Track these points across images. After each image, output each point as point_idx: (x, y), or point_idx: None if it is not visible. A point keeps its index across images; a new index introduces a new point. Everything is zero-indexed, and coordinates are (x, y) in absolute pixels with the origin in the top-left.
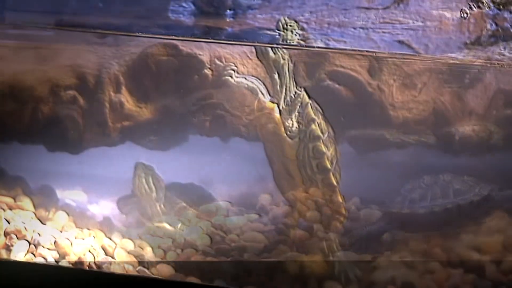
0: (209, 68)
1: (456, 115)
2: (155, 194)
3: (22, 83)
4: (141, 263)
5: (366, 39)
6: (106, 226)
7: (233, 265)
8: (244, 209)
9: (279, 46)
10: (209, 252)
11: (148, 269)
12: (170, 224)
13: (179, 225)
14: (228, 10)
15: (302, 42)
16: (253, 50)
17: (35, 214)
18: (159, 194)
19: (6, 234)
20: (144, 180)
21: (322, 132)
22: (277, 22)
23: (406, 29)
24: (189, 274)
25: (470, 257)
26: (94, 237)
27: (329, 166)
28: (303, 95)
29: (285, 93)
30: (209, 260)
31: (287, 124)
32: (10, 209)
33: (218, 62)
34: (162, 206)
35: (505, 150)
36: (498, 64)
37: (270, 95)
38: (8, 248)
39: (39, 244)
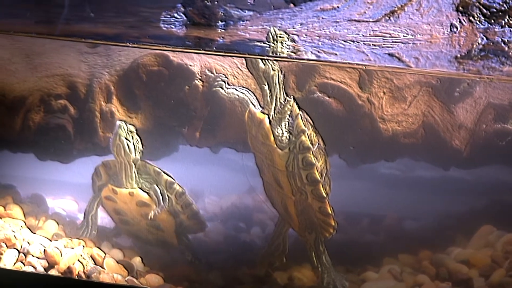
0: (200, 79)
1: (446, 129)
2: (133, 156)
3: (13, 92)
4: (130, 272)
5: (357, 51)
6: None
7: (222, 275)
8: (234, 219)
9: (270, 58)
10: (198, 261)
11: (137, 279)
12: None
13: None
14: (219, 22)
15: (293, 54)
16: (244, 61)
17: (25, 223)
18: (137, 156)
19: None
20: (124, 140)
21: (312, 143)
22: (267, 33)
23: (396, 42)
24: (178, 284)
25: (459, 270)
26: (83, 246)
27: (318, 177)
28: (292, 103)
29: (275, 104)
30: (198, 270)
31: (277, 133)
32: (0, 218)
33: (208, 73)
34: (136, 172)
35: (494, 164)
36: (488, 78)
37: (260, 106)
38: None
39: (28, 252)
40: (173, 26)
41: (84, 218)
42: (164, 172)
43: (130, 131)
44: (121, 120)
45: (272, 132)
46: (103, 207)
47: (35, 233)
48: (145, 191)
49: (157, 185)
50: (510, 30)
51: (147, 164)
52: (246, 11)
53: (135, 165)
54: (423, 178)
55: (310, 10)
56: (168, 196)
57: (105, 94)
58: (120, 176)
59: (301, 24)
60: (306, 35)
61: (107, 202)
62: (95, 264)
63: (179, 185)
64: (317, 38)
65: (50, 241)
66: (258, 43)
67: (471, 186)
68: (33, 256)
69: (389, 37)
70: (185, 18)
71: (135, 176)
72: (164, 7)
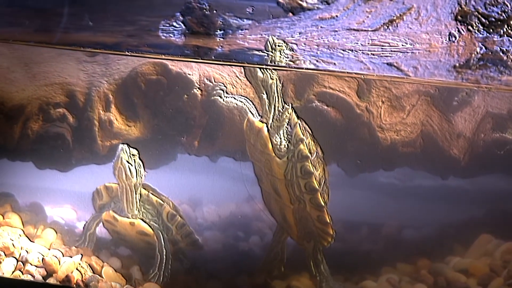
0: (199, 88)
1: (444, 138)
2: (135, 180)
3: (12, 100)
4: (128, 281)
5: (355, 61)
6: (94, 244)
7: (221, 284)
8: (233, 228)
9: (268, 67)
10: (197, 270)
11: (135, 287)
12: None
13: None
14: (218, 30)
15: (291, 63)
16: (242, 70)
17: (24, 231)
18: (138, 181)
19: None
20: (126, 163)
21: (310, 152)
22: (266, 42)
23: (395, 51)
24: None
25: (457, 279)
26: (82, 254)
27: (317, 186)
28: (291, 111)
29: (274, 113)
30: (196, 278)
31: (275, 142)
32: None
33: (207, 82)
34: (138, 199)
35: (492, 173)
36: (486, 87)
37: (259, 114)
38: None
39: (26, 261)
40: (172, 35)
41: (82, 232)
42: (168, 204)
43: (132, 154)
44: (123, 143)
45: (271, 141)
46: (103, 225)
47: (33, 242)
48: (145, 222)
49: (161, 229)
50: (509, 40)
51: (150, 195)
52: (245, 20)
53: (135, 190)
54: (421, 187)
55: (309, 19)
56: (169, 226)
57: (104, 103)
58: (121, 201)
59: (299, 33)
60: (304, 44)
61: (107, 224)
62: (94, 272)
63: (181, 217)
64: (316, 47)
65: (49, 249)
66: (257, 52)
67: (470, 195)
68: (31, 264)
69: (388, 46)
70: (184, 27)
71: (136, 203)
72: (163, 16)
